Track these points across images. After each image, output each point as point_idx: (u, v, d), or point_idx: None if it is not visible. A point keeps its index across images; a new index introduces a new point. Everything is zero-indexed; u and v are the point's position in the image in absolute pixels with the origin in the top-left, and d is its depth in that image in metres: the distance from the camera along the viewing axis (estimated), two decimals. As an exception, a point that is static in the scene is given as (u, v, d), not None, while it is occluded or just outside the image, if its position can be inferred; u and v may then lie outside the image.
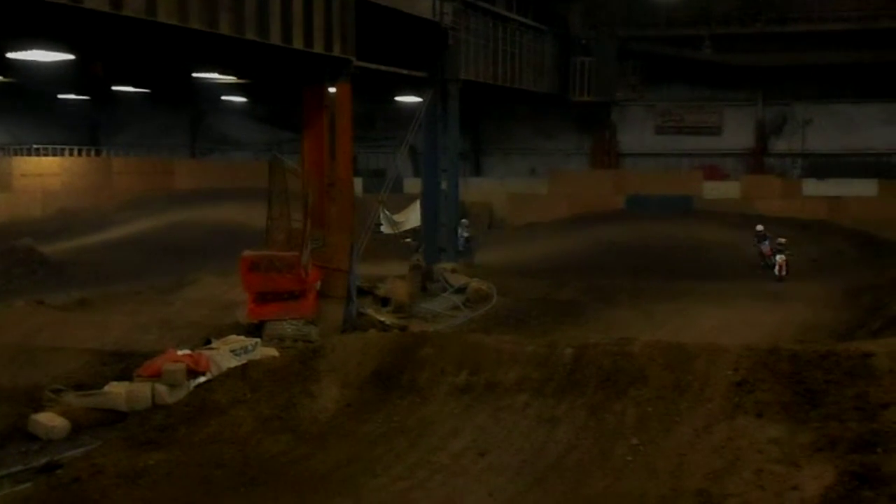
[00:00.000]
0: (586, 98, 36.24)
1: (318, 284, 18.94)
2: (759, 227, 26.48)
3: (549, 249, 29.78)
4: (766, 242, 26.01)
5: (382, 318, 19.26)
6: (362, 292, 20.07)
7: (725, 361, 10.39)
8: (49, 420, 12.15)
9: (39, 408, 12.52)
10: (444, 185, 25.57)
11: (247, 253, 18.47)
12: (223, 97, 40.54)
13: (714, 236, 28.96)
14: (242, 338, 15.78)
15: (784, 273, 24.38)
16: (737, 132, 36.97)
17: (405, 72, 23.66)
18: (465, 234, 28.90)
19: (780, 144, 36.89)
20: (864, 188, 33.40)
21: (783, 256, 25.11)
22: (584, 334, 13.84)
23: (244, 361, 13.27)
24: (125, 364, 14.44)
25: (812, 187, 34.83)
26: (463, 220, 29.22)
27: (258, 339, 15.84)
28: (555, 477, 9.28)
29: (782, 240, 25.65)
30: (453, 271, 24.11)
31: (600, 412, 10.18)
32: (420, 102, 25.09)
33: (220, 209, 34.73)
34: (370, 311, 19.52)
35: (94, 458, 10.38)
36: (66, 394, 13.08)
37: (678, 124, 37.68)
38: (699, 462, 8.98)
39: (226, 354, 14.37)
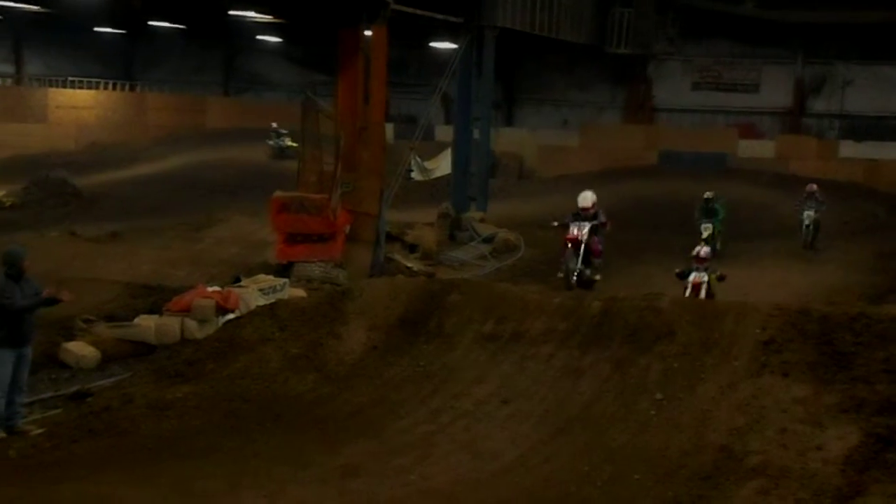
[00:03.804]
0: (623, 50, 35.74)
1: (347, 228, 19.00)
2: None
3: (579, 202, 29.57)
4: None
5: (410, 265, 19.30)
6: (390, 238, 20.07)
7: (754, 320, 10.37)
8: (80, 349, 12.32)
9: (70, 337, 12.69)
10: (475, 134, 25.42)
11: (277, 193, 18.53)
12: (258, 36, 40.37)
13: (747, 195, 28.63)
14: (271, 277, 15.83)
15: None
16: (775, 90, 36.39)
17: (441, 17, 23.41)
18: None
19: (818, 104, 36.31)
20: (902, 152, 32.90)
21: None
22: (610, 288, 13.81)
23: (273, 301, 13.38)
24: (155, 298, 14.57)
25: (849, 149, 34.28)
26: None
27: (287, 280, 15.90)
28: (577, 427, 9.35)
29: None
30: (482, 220, 24.07)
31: (625, 366, 10.22)
32: (455, 49, 24.85)
33: (252, 149, 34.76)
34: (398, 257, 19.55)
35: (123, 388, 10.59)
36: (97, 324, 13.22)
37: (715, 80, 37.13)
38: (723, 419, 9.01)
39: (254, 293, 14.45)
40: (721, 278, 13.82)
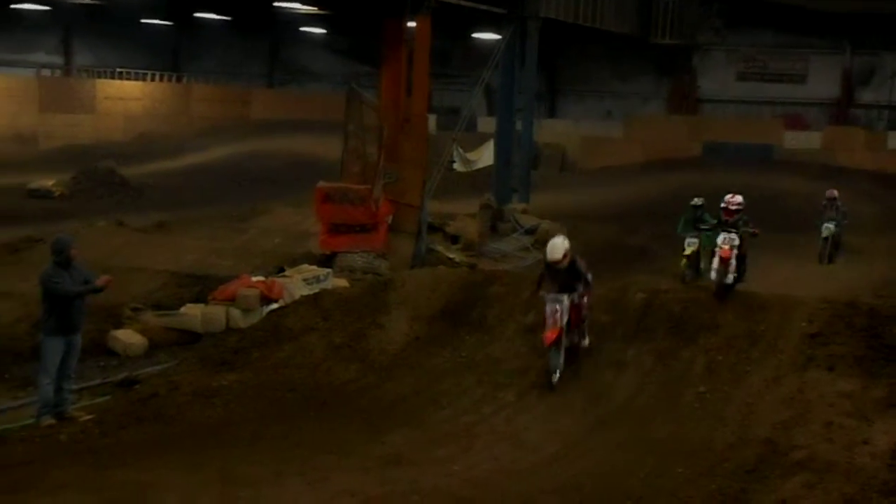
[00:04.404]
0: (667, 41, 35.45)
1: (390, 218, 19.07)
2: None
3: (622, 194, 29.44)
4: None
5: (452, 256, 19.34)
6: (432, 229, 20.15)
7: (800, 313, 10.25)
8: (127, 337, 12.54)
9: (119, 325, 12.90)
10: (518, 126, 25.36)
11: (321, 184, 18.67)
12: (302, 28, 40.58)
13: (793, 187, 28.30)
14: (314, 267, 15.99)
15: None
16: (822, 81, 35.88)
17: (485, 7, 23.38)
18: None
19: (866, 95, 35.75)
20: (953, 144, 32.29)
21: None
22: (654, 280, 13.70)
23: (316, 290, 13.49)
24: (201, 287, 14.76)
25: (898, 141, 33.78)
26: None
27: (330, 270, 16.04)
28: (620, 419, 9.33)
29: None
30: (524, 212, 24.03)
31: (668, 358, 10.16)
32: (498, 40, 24.81)
33: (295, 140, 34.97)
34: (440, 248, 19.61)
35: (170, 375, 10.74)
36: (145, 313, 13.44)
37: (761, 71, 36.70)
38: (768, 412, 8.93)
39: (298, 283, 14.61)
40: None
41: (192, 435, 8.87)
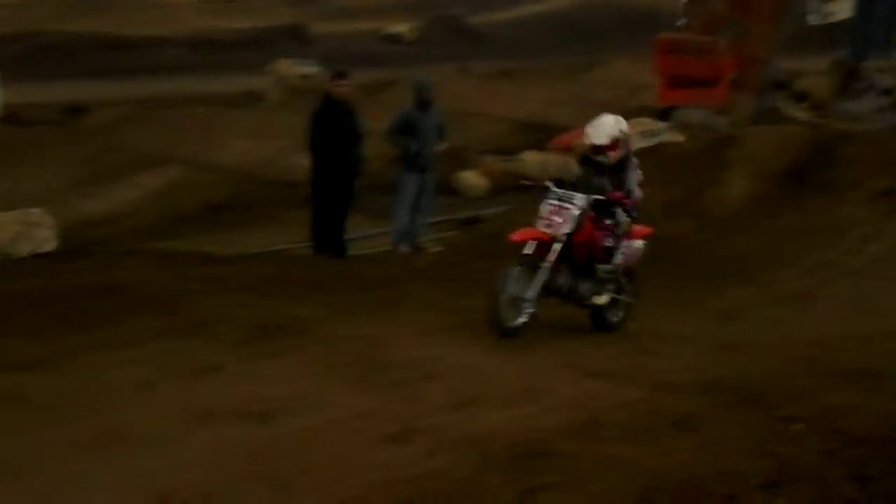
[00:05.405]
0: None
1: (733, 73, 18.33)
2: None
3: None
4: None
5: (797, 115, 18.35)
6: (777, 86, 19.13)
7: None
8: (472, 179, 13.28)
9: (464, 167, 13.65)
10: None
11: (663, 35, 18.26)
12: None
13: None
14: (650, 121, 15.88)
15: None
16: None
17: None
18: None
19: None
20: None
21: None
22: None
23: (652, 144, 13.43)
24: (539, 135, 15.18)
25: None
26: None
27: (667, 124, 15.86)
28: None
29: None
30: (882, 71, 22.06)
31: None
32: None
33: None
34: (784, 106, 18.65)
35: (511, 216, 11.26)
36: (487, 157, 14.11)
37: None
38: None
39: (634, 136, 14.58)
40: None
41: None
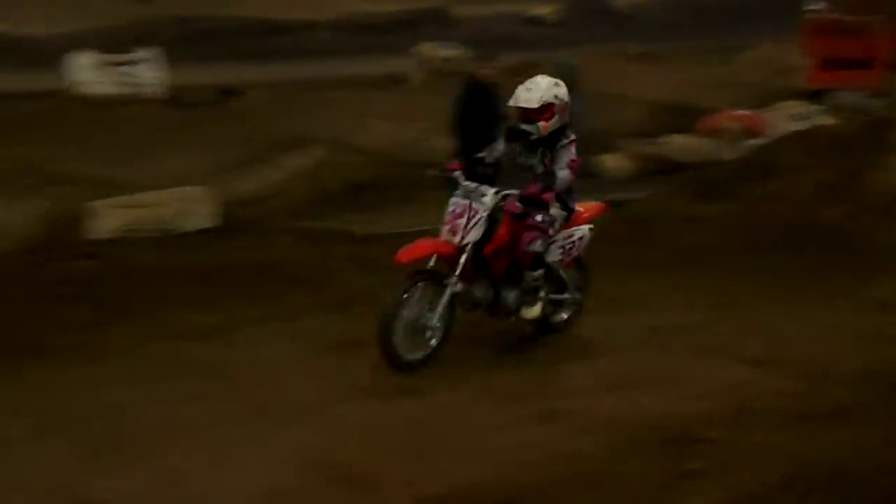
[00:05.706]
0: None
1: (890, 54, 17.54)
2: None
3: None
4: None
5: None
6: (940, 67, 18.17)
7: None
8: (616, 162, 13.18)
9: (607, 150, 13.55)
10: None
11: (814, 15, 17.60)
12: None
13: None
14: (800, 103, 15.43)
15: None
16: None
17: None
18: None
19: None
20: None
21: None
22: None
23: (805, 127, 13.02)
24: (684, 118, 14.90)
25: None
26: None
27: (818, 107, 15.35)
28: None
29: None
30: None
31: None
32: None
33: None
34: (948, 89, 17.71)
35: (653, 201, 11.17)
36: (631, 140, 13.97)
37: None
38: None
39: (784, 118, 14.21)
40: None
41: (677, 257, 9.26)
